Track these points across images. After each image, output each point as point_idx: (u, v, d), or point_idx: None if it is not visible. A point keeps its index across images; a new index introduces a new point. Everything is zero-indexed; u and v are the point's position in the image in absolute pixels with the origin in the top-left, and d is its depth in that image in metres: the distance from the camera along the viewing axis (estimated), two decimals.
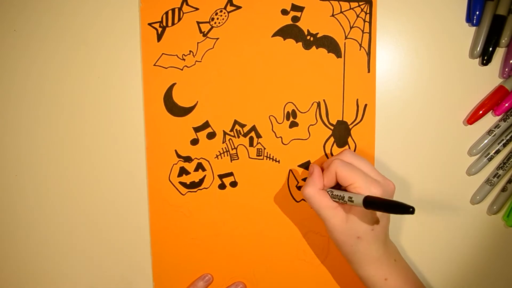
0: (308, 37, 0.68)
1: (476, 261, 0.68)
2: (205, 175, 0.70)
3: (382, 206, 0.53)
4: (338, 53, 0.67)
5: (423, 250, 0.69)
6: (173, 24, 0.69)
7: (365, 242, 0.59)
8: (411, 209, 0.50)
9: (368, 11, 0.67)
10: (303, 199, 0.69)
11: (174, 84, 0.69)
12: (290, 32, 0.68)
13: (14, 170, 0.73)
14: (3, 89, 0.72)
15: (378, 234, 0.59)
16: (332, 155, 0.68)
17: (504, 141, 0.65)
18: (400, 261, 0.63)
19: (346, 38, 0.67)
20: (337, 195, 0.59)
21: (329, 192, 0.61)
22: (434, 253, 0.69)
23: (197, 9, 0.68)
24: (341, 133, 0.68)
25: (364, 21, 0.67)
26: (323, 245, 0.70)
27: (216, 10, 0.68)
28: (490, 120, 0.66)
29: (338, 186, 0.61)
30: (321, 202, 0.60)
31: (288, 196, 0.70)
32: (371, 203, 0.54)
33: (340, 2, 0.67)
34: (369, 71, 0.67)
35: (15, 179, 0.73)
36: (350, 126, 0.68)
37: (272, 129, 0.69)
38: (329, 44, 0.67)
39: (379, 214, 0.59)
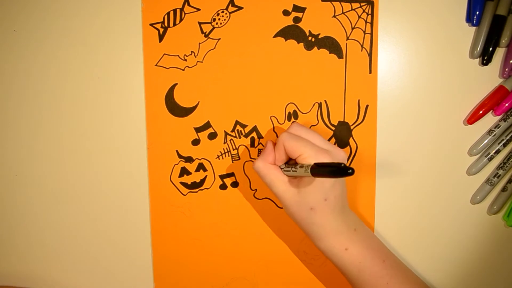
0: (310, 38, 0.68)
1: (476, 261, 0.69)
2: (206, 176, 0.70)
3: (326, 171, 0.53)
4: (339, 54, 0.68)
5: (423, 250, 0.69)
6: (174, 24, 0.69)
7: (319, 213, 0.58)
8: (349, 171, 0.49)
9: (369, 12, 0.67)
10: None
11: (175, 84, 0.69)
12: (291, 32, 0.68)
13: (14, 170, 0.72)
14: (3, 89, 0.71)
15: (333, 204, 0.58)
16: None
17: (504, 141, 0.66)
18: (361, 230, 0.62)
19: (347, 39, 0.68)
20: (288, 169, 0.59)
21: (281, 167, 0.61)
22: (434, 253, 0.69)
23: (198, 9, 0.68)
24: (343, 134, 0.69)
25: (366, 22, 0.67)
26: None
27: (217, 11, 0.68)
28: (490, 120, 0.66)
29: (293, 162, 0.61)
30: (271, 175, 0.60)
31: None
32: (317, 170, 0.54)
33: (342, 3, 0.67)
34: (370, 72, 0.68)
35: (15, 179, 0.72)
36: (352, 127, 0.68)
37: (274, 130, 0.69)
38: (331, 45, 0.68)
39: (331, 183, 0.58)
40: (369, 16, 0.67)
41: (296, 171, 0.57)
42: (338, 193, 0.59)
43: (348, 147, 0.69)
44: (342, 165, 0.50)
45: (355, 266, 0.60)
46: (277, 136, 0.69)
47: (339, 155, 0.59)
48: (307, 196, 0.58)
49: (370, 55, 0.68)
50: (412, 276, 0.64)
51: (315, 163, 0.55)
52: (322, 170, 0.53)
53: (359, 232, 0.61)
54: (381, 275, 0.61)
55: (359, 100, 0.68)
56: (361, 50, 0.68)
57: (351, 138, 0.69)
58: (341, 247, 0.60)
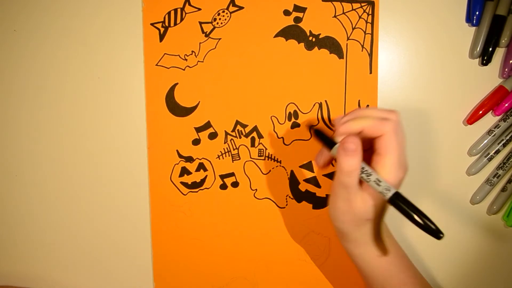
0: (310, 38, 0.68)
1: (476, 261, 0.69)
2: (206, 175, 0.70)
3: (409, 213, 0.49)
4: (340, 54, 0.68)
5: (423, 250, 0.69)
6: (175, 24, 0.69)
7: (371, 224, 0.56)
8: (441, 235, 0.47)
9: (370, 12, 0.67)
10: (304, 200, 0.70)
11: (176, 84, 0.69)
12: (292, 32, 0.68)
13: (14, 171, 0.72)
14: (3, 89, 0.71)
15: (383, 214, 0.56)
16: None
17: (504, 141, 0.66)
18: (391, 238, 0.61)
19: (348, 39, 0.68)
20: (366, 171, 0.53)
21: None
22: (434, 253, 0.69)
23: (199, 9, 0.69)
24: None
25: (366, 22, 0.67)
26: (324, 246, 0.70)
27: (218, 11, 0.68)
28: (490, 120, 0.67)
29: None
30: (355, 182, 0.54)
31: (290, 196, 0.70)
32: (397, 204, 0.50)
33: (342, 3, 0.67)
34: (371, 72, 0.68)
35: (15, 180, 0.72)
36: None
37: (274, 130, 0.69)
38: (331, 45, 0.68)
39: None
40: (370, 16, 0.67)
41: (368, 182, 0.53)
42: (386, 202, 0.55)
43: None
44: (441, 234, 0.48)
45: (383, 272, 0.59)
46: (277, 136, 0.69)
47: (406, 172, 0.55)
48: (370, 209, 0.54)
49: (370, 55, 0.68)
50: (428, 286, 0.64)
51: (396, 193, 0.51)
52: (404, 208, 0.50)
53: (390, 239, 0.60)
54: (405, 283, 0.60)
55: (359, 100, 0.68)
56: (362, 50, 0.68)
57: None
58: (374, 254, 0.58)
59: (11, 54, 0.71)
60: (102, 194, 0.72)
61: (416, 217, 0.49)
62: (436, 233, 0.48)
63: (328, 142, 0.55)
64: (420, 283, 0.61)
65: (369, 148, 0.56)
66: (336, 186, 0.54)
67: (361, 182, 0.54)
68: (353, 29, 0.68)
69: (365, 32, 0.67)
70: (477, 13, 0.65)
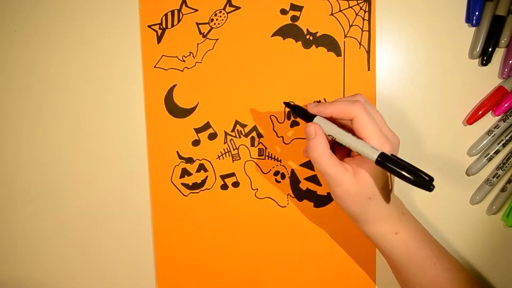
0: (308, 36, 0.67)
1: (476, 261, 0.69)
2: (207, 176, 0.71)
3: (397, 170, 0.51)
4: (337, 52, 0.67)
5: None
6: (172, 25, 0.69)
7: (376, 201, 0.57)
8: (432, 187, 0.49)
9: (367, 9, 0.66)
10: (305, 199, 0.70)
11: (174, 85, 0.69)
12: (289, 31, 0.67)
13: (13, 172, 0.73)
14: (3, 90, 0.72)
15: (388, 190, 0.58)
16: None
17: (503, 142, 0.65)
18: (407, 213, 0.61)
19: (345, 36, 0.67)
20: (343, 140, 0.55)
21: (332, 137, 0.57)
22: None
23: (196, 10, 0.68)
24: None
25: (363, 19, 0.66)
26: (326, 245, 0.71)
27: (215, 11, 0.68)
28: (489, 120, 0.66)
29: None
30: (329, 167, 0.56)
31: (291, 195, 0.70)
32: (384, 163, 0.51)
33: (339, 1, 0.66)
34: (369, 69, 0.67)
35: (15, 180, 0.74)
36: None
37: (273, 129, 0.69)
38: (329, 43, 0.67)
39: (387, 173, 0.56)
40: (367, 13, 0.66)
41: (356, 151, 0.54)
42: (392, 180, 0.59)
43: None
44: (432, 187, 0.49)
45: (404, 249, 0.59)
46: (277, 136, 0.69)
47: (395, 143, 0.57)
48: (366, 187, 0.56)
49: (368, 52, 0.67)
50: (453, 257, 0.63)
51: (392, 155, 0.52)
52: (392, 165, 0.51)
53: (406, 215, 0.61)
54: (428, 256, 0.60)
55: None
56: (359, 48, 0.67)
57: None
58: (391, 231, 0.59)
59: (11, 54, 0.71)
60: (104, 198, 0.73)
61: (405, 173, 0.51)
62: (428, 184, 0.49)
63: (307, 116, 0.57)
64: (444, 255, 0.61)
65: None
66: (320, 176, 0.58)
67: (353, 165, 0.56)
68: (350, 26, 0.67)
69: (362, 29, 0.67)
70: (476, 13, 0.64)
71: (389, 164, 0.52)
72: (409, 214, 0.62)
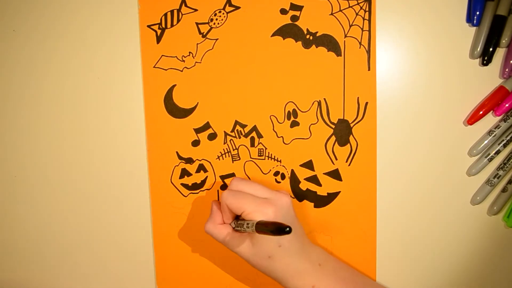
0: (308, 36, 0.67)
1: (476, 261, 0.69)
2: (206, 176, 0.71)
3: (268, 230, 0.53)
4: (338, 52, 0.67)
5: (423, 251, 0.69)
6: (172, 25, 0.68)
7: (278, 259, 0.60)
8: (287, 229, 0.50)
9: (367, 9, 0.66)
10: (305, 199, 0.70)
11: (174, 85, 0.69)
12: (289, 31, 0.67)
13: (13, 171, 0.73)
14: (2, 89, 0.72)
15: (288, 247, 0.60)
16: (333, 153, 0.68)
17: (504, 142, 0.65)
18: (326, 264, 0.63)
19: (345, 36, 0.67)
20: (238, 228, 0.60)
21: (232, 224, 0.62)
22: (434, 253, 0.69)
23: (196, 10, 0.68)
24: (343, 132, 0.68)
25: (363, 19, 0.66)
26: (326, 245, 0.70)
27: (215, 11, 0.68)
28: (490, 120, 0.66)
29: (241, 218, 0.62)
30: (222, 235, 0.62)
31: (291, 195, 0.70)
32: (260, 229, 0.54)
33: (339, 1, 0.66)
34: (369, 69, 0.67)
35: (15, 180, 0.74)
36: (351, 125, 0.68)
37: (273, 129, 0.69)
38: (329, 43, 0.67)
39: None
40: (367, 13, 0.66)
41: (245, 230, 0.58)
42: (292, 237, 0.60)
43: (349, 145, 0.68)
44: (287, 229, 0.50)
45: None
46: (277, 136, 0.69)
47: (282, 201, 0.60)
48: (262, 247, 0.59)
49: (368, 52, 0.67)
50: None
51: (257, 223, 0.55)
52: (264, 229, 0.54)
53: (324, 266, 0.62)
54: None
55: (358, 98, 0.67)
56: (360, 47, 0.67)
57: (351, 135, 0.68)
58: (308, 286, 0.60)
59: (11, 54, 0.71)
60: (103, 198, 0.73)
61: (270, 232, 0.53)
62: (283, 230, 0.50)
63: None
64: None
65: None
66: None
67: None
68: (350, 26, 0.66)
69: (362, 29, 0.66)
70: (477, 13, 0.63)
71: (263, 228, 0.54)
72: (330, 264, 0.63)
